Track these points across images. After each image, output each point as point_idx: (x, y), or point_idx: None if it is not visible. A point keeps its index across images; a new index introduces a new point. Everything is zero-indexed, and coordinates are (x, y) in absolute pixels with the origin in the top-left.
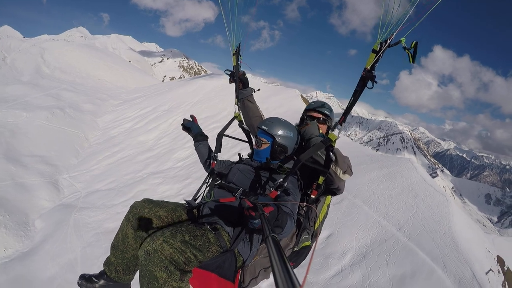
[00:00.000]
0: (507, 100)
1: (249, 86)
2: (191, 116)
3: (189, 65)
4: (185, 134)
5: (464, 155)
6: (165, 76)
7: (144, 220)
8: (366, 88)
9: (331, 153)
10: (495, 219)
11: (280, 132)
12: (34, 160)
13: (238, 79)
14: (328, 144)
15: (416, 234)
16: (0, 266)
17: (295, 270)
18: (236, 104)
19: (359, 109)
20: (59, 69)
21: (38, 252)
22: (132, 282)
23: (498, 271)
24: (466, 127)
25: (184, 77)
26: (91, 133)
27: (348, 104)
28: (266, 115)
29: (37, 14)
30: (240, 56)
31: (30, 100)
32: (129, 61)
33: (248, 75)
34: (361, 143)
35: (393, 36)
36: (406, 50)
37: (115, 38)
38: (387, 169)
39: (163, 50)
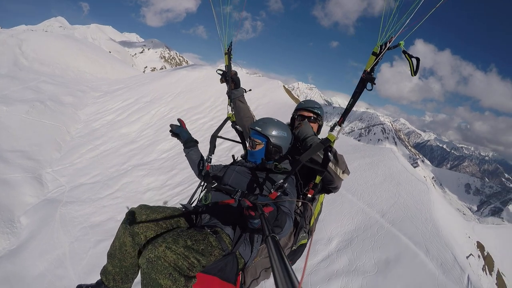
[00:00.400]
0: (487, 94)
1: (240, 86)
2: (179, 121)
3: (171, 55)
4: (168, 126)
5: (444, 146)
6: (146, 67)
7: (142, 227)
8: (365, 89)
9: (329, 153)
10: (475, 208)
11: (274, 133)
12: (16, 155)
13: (231, 79)
14: (327, 145)
15: (399, 220)
16: None
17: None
18: (229, 104)
19: (340, 100)
20: (37, 61)
21: (26, 249)
22: None
23: (479, 256)
24: (446, 119)
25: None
26: (73, 126)
27: (348, 105)
28: (250, 105)
29: (14, 3)
30: (231, 55)
31: (9, 93)
32: (110, 52)
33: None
34: (343, 134)
35: (393, 39)
36: (406, 55)
37: (95, 28)
38: (369, 159)
39: (143, 40)
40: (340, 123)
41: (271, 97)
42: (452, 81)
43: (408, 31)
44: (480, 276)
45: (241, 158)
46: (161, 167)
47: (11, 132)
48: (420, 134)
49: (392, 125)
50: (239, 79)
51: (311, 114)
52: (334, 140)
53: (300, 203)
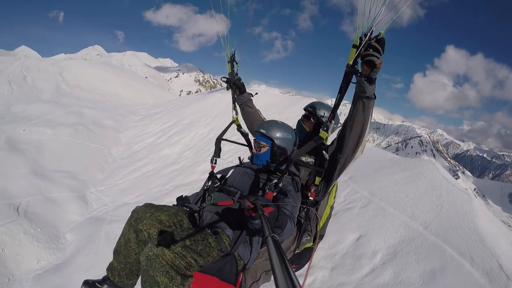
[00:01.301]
0: None
1: (246, 91)
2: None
3: (205, 79)
4: (208, 147)
5: (485, 155)
6: (182, 90)
7: (146, 224)
8: (351, 83)
9: (324, 152)
10: None
11: (278, 135)
12: (61, 175)
13: (234, 85)
14: (319, 143)
15: (442, 231)
16: (34, 278)
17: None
18: (233, 109)
19: (375, 115)
20: (78, 87)
21: (71, 264)
22: (135, 287)
23: None
24: (484, 126)
25: (200, 91)
26: (115, 149)
27: (336, 101)
28: (288, 123)
29: (53, 33)
30: (237, 63)
31: (53, 117)
32: (146, 77)
33: (263, 86)
34: (381, 148)
35: (373, 29)
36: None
37: (130, 55)
38: (409, 171)
39: (178, 65)
40: (330, 119)
41: None
42: (488, 85)
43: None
44: None
45: (248, 160)
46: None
47: (56, 154)
48: (459, 144)
49: (429, 137)
50: (243, 84)
51: (306, 113)
52: (327, 138)
53: (304, 206)
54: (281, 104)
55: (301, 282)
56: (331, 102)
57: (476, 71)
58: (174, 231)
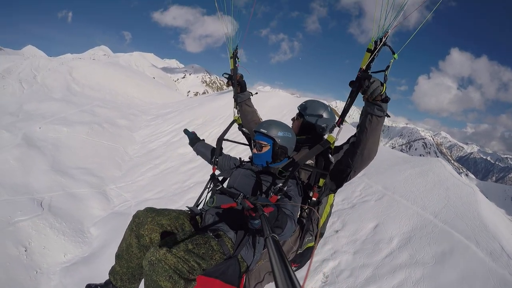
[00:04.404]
0: None
1: (247, 90)
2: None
3: (211, 80)
4: (224, 146)
5: (488, 158)
6: (189, 91)
7: (147, 229)
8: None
9: (330, 156)
10: None
11: (279, 134)
12: (80, 172)
13: (236, 82)
14: (326, 147)
15: (450, 219)
16: (62, 270)
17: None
18: (235, 107)
19: None
20: (88, 87)
21: (101, 256)
22: None
23: None
24: (488, 129)
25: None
26: (130, 147)
27: (345, 105)
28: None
29: (59, 33)
30: (238, 59)
31: (67, 116)
32: (154, 78)
33: (267, 88)
34: (391, 147)
35: (388, 33)
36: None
37: (137, 55)
38: (419, 168)
39: (183, 66)
40: (338, 123)
41: None
42: (492, 88)
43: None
44: None
45: (248, 160)
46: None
47: (74, 151)
48: (463, 147)
49: (433, 139)
50: (244, 82)
51: (296, 114)
52: (334, 142)
53: (306, 206)
54: (292, 105)
55: (301, 282)
56: (335, 104)
57: (481, 74)
58: (176, 235)
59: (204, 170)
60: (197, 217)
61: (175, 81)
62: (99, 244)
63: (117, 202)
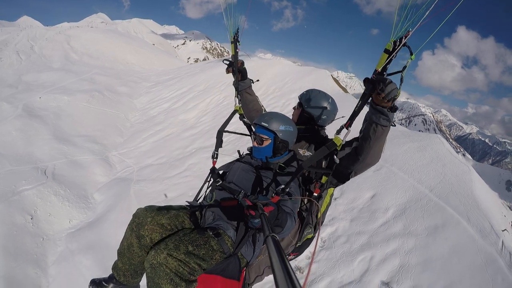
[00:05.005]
0: None
1: (248, 77)
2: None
3: (212, 46)
4: (225, 112)
5: (487, 140)
6: (189, 58)
7: (148, 230)
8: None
9: (335, 157)
10: None
11: (281, 127)
12: (82, 139)
13: (237, 70)
14: (333, 149)
15: (444, 195)
16: (68, 236)
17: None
18: (236, 96)
19: None
20: (87, 55)
21: (105, 221)
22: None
23: None
24: (489, 111)
25: (208, 59)
26: (131, 114)
27: (355, 108)
28: (300, 92)
29: (55, 2)
30: (239, 42)
31: (67, 85)
32: (153, 44)
33: (268, 55)
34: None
35: (410, 33)
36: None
37: (136, 22)
38: (418, 143)
39: (183, 32)
40: (347, 126)
41: (321, 86)
42: (496, 70)
43: (433, 24)
44: None
45: (247, 152)
46: (224, 149)
47: (75, 119)
48: (462, 127)
49: (433, 116)
50: (245, 69)
51: (297, 103)
52: (341, 144)
53: (306, 200)
54: (295, 74)
55: (301, 282)
56: (337, 74)
57: (486, 55)
58: (176, 236)
59: (204, 137)
60: (196, 213)
61: (175, 47)
62: (103, 210)
63: (120, 168)
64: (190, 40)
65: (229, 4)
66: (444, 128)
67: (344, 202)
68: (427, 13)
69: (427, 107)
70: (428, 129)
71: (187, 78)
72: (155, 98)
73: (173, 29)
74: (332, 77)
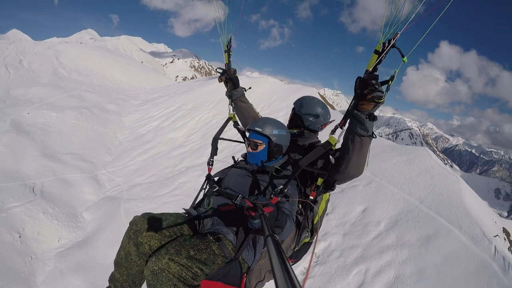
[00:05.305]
0: None
1: (240, 86)
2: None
3: (200, 65)
4: (214, 131)
5: (473, 151)
6: (177, 76)
7: (146, 237)
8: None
9: (330, 157)
10: (505, 213)
11: (275, 132)
12: (70, 157)
13: (230, 79)
14: (328, 148)
15: (435, 205)
16: (57, 255)
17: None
18: (230, 104)
19: None
20: (75, 71)
21: (96, 240)
22: None
23: (504, 239)
24: (474, 122)
25: (196, 77)
26: (119, 132)
27: (349, 107)
28: (289, 112)
29: (45, 16)
30: (230, 52)
31: (55, 101)
32: (142, 62)
33: (255, 74)
34: (379, 136)
35: (398, 36)
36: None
37: (125, 39)
38: (406, 156)
39: (172, 50)
40: (341, 125)
41: None
42: (480, 82)
43: (414, 26)
44: (507, 254)
45: (242, 159)
46: (214, 168)
47: (64, 137)
48: (448, 139)
49: (419, 130)
50: (237, 78)
51: (292, 108)
52: (336, 143)
53: (301, 204)
54: (282, 92)
55: (301, 281)
56: (323, 91)
57: (469, 68)
58: (177, 242)
59: (194, 155)
60: (195, 220)
61: (163, 65)
62: (92, 229)
63: (109, 186)
64: (178, 59)
65: (221, 16)
66: (430, 141)
67: (336, 217)
68: (412, 17)
69: (413, 121)
70: (415, 143)
71: (176, 97)
72: (144, 116)
73: (161, 47)
74: (320, 94)
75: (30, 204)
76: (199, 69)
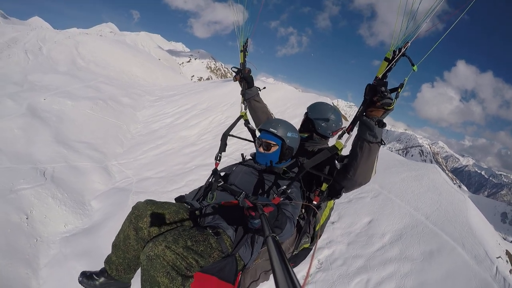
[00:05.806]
0: None
1: (254, 85)
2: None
3: (216, 66)
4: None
5: (483, 173)
6: (193, 75)
7: (146, 222)
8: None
9: (336, 162)
10: (511, 238)
11: (289, 134)
12: (83, 145)
13: (244, 78)
14: (334, 153)
15: (440, 222)
16: (62, 240)
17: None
18: (243, 102)
19: None
20: (93, 63)
21: (103, 228)
22: (132, 280)
23: (507, 261)
24: (486, 144)
25: (211, 78)
26: (133, 126)
27: (357, 113)
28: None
29: (67, 6)
30: (247, 52)
31: (72, 90)
32: (159, 59)
33: (270, 79)
34: (389, 150)
35: (409, 44)
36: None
37: (144, 35)
38: (415, 172)
39: (189, 50)
40: (348, 130)
41: None
42: (494, 104)
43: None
44: (508, 276)
45: (250, 158)
46: (226, 153)
47: (77, 125)
48: (458, 159)
49: (430, 147)
50: (252, 77)
51: (305, 113)
52: (342, 148)
53: (304, 209)
54: (297, 100)
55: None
56: (337, 102)
57: (484, 89)
58: (176, 231)
59: (204, 154)
60: (196, 212)
61: (180, 64)
62: (99, 218)
63: (119, 178)
64: (195, 59)
65: (240, 20)
66: (440, 159)
67: (342, 226)
68: (423, 25)
69: (425, 139)
70: (425, 160)
71: (191, 96)
72: (158, 112)
73: (179, 46)
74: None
75: (40, 187)
76: (215, 71)
